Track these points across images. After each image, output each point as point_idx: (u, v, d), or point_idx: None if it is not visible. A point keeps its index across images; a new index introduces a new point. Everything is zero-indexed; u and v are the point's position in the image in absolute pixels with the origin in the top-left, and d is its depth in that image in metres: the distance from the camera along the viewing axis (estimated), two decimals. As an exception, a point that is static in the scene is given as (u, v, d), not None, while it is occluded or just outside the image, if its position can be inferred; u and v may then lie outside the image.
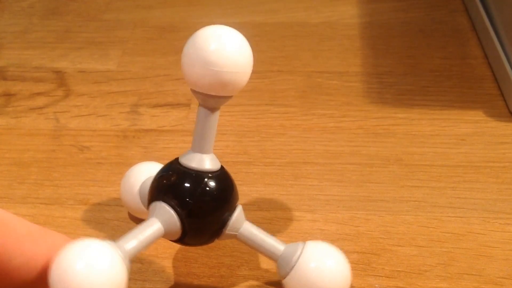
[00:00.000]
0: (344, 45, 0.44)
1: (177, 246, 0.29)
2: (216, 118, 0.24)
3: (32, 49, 0.45)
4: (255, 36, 0.45)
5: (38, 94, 0.40)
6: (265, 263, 0.28)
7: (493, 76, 0.40)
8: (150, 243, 0.22)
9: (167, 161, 0.25)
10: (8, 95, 0.40)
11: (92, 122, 0.38)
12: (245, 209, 0.31)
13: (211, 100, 0.23)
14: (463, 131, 0.36)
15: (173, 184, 0.23)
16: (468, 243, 0.29)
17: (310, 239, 0.25)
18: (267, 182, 0.33)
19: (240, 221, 0.24)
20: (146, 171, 0.28)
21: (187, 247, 0.29)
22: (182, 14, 0.49)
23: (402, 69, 0.41)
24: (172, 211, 0.23)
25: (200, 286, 0.27)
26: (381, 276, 0.27)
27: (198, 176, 0.23)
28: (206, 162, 0.24)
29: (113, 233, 0.30)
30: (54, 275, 0.18)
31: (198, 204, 0.23)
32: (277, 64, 0.42)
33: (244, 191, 0.32)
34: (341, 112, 0.38)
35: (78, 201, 0.32)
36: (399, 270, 0.28)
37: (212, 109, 0.23)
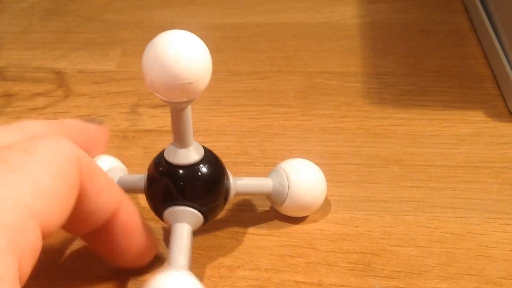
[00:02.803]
0: (344, 45, 0.44)
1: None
2: (187, 113, 0.24)
3: (32, 49, 0.45)
4: (255, 36, 0.45)
5: (38, 94, 0.40)
6: (265, 263, 0.28)
7: (493, 76, 0.40)
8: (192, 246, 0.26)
9: None
10: (8, 95, 0.40)
11: (92, 123, 0.38)
12: (245, 209, 0.31)
13: (174, 104, 0.24)
14: (463, 131, 0.36)
15: (177, 187, 0.26)
16: (468, 243, 0.29)
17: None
18: (267, 183, 0.33)
19: (234, 181, 0.27)
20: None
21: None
22: (182, 14, 0.49)
23: (402, 69, 0.41)
24: (190, 209, 0.26)
25: (200, 287, 0.27)
26: (381, 276, 0.27)
27: (192, 170, 0.26)
28: (192, 154, 0.26)
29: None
30: None
31: (207, 193, 0.26)
32: (277, 65, 0.42)
33: (244, 191, 0.32)
34: (341, 112, 0.38)
35: (78, 202, 0.32)
36: (399, 271, 0.27)
37: (180, 109, 0.24)
